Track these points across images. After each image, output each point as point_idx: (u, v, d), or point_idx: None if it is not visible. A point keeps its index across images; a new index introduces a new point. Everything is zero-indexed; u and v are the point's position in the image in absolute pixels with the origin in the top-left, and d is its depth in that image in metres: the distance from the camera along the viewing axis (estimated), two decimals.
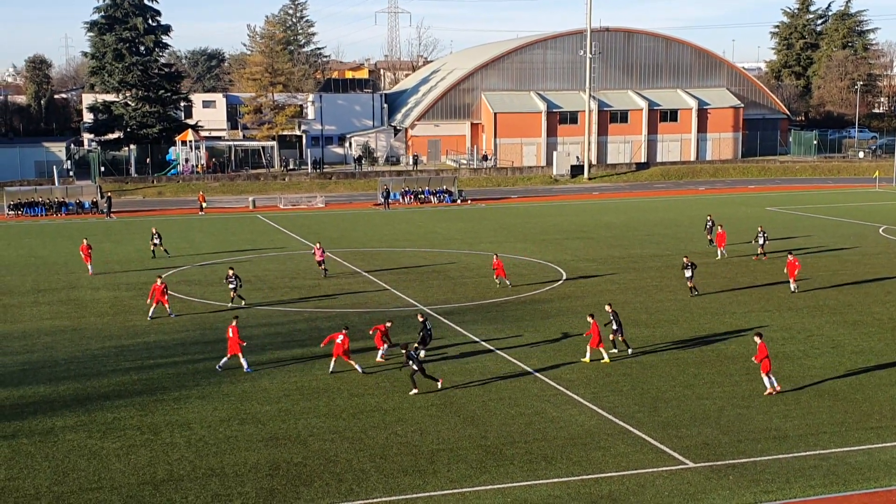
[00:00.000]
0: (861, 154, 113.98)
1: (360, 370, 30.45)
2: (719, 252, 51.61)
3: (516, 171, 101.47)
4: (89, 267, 48.22)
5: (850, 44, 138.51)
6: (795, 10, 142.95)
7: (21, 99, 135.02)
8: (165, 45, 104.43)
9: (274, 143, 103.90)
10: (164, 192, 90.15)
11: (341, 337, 30.38)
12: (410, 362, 28.36)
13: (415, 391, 28.29)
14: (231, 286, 40.47)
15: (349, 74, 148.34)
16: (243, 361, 31.12)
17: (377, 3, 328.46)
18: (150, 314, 38.62)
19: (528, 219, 70.80)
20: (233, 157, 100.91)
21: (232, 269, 41.51)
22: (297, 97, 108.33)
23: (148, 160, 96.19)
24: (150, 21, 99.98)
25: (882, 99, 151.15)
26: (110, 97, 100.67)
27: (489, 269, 45.30)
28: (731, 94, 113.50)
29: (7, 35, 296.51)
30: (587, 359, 31.74)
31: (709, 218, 56.83)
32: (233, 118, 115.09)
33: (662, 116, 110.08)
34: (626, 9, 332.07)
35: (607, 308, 33.47)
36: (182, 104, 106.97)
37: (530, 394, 28.57)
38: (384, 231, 64.90)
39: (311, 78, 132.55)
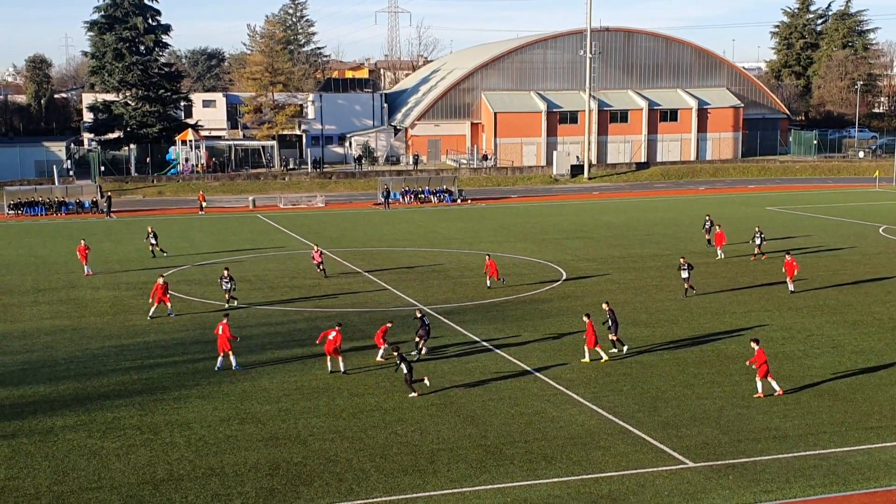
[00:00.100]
0: (861, 154, 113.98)
1: (341, 370, 30.44)
2: (718, 252, 51.62)
3: (516, 171, 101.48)
4: (86, 268, 48.19)
5: (850, 43, 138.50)
6: (795, 10, 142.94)
7: (21, 98, 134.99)
8: (165, 45, 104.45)
9: (274, 142, 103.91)
10: (164, 192, 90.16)
11: (333, 333, 30.41)
12: (402, 364, 28.34)
13: (413, 394, 28.28)
14: (226, 287, 40.37)
15: (349, 74, 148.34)
16: (232, 359, 31.15)
17: (377, 3, 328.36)
18: (150, 314, 38.61)
19: (527, 218, 70.81)
20: (233, 157, 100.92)
21: (227, 269, 41.51)
22: (297, 97, 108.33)
23: (148, 160, 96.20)
24: (150, 20, 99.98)
25: (882, 99, 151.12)
26: (110, 97, 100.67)
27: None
28: (731, 93, 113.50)
29: (7, 35, 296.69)
30: (587, 359, 31.74)
31: (707, 218, 56.83)
32: (233, 118, 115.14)
33: (662, 116, 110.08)
34: (625, 9, 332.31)
35: (605, 306, 33.50)
36: (182, 104, 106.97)
37: (530, 393, 28.57)
38: (384, 231, 64.91)
39: (311, 77, 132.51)
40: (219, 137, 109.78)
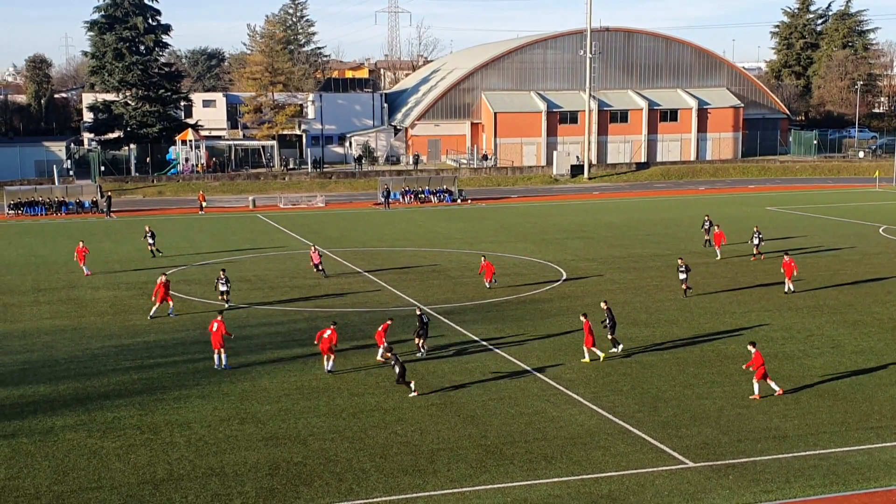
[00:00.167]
0: (861, 154, 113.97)
1: (326, 370, 30.41)
2: (717, 252, 51.61)
3: (516, 171, 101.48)
4: (84, 268, 48.15)
5: (850, 43, 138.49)
6: (795, 10, 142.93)
7: (21, 98, 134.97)
8: (165, 45, 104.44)
9: (274, 142, 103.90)
10: (164, 192, 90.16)
11: (329, 332, 30.40)
12: (394, 364, 28.30)
13: (414, 393, 28.29)
14: (223, 288, 40.30)
15: (349, 74, 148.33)
16: (223, 357, 31.17)
17: (377, 3, 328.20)
18: (151, 313, 38.62)
19: (528, 218, 70.81)
20: (233, 157, 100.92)
21: (224, 270, 41.46)
22: (298, 97, 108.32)
23: (148, 160, 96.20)
24: (150, 20, 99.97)
25: (882, 99, 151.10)
26: (110, 96, 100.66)
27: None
28: (731, 93, 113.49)
29: (7, 34, 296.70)
30: (587, 359, 31.75)
31: (706, 218, 56.80)
32: (233, 117, 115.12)
33: (662, 116, 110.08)
34: (625, 8, 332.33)
35: (603, 305, 33.52)
36: (182, 104, 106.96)
37: (530, 393, 28.57)
38: (384, 231, 64.91)
39: (311, 77, 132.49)
40: (219, 137, 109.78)
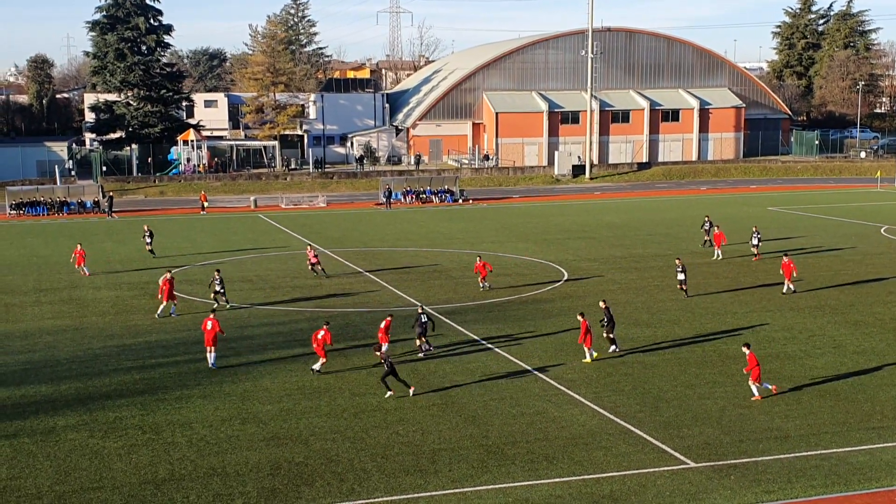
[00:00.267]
0: (863, 154, 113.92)
1: (313, 370, 30.40)
2: (717, 252, 51.60)
3: (518, 171, 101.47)
4: (85, 269, 48.13)
5: (851, 44, 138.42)
6: (797, 10, 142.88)
7: (23, 98, 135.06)
8: (167, 45, 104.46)
9: (275, 142, 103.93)
10: (165, 192, 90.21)
11: (322, 332, 30.38)
12: (385, 364, 28.27)
13: (412, 389, 28.33)
14: (217, 289, 40.27)
15: (351, 74, 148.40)
16: (213, 355, 31.19)
17: (379, 3, 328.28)
18: (159, 312, 38.66)
19: (529, 218, 70.82)
20: (234, 157, 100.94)
21: (218, 270, 41.51)
22: (299, 97, 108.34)
23: (150, 160, 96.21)
24: (151, 21, 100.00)
25: (884, 99, 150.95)
26: (112, 97, 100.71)
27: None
28: (732, 93, 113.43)
29: (9, 35, 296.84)
30: (588, 359, 31.76)
31: (706, 219, 56.77)
32: (234, 118, 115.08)
33: (664, 116, 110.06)
34: (627, 8, 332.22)
35: (601, 304, 33.52)
36: (184, 104, 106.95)
37: (532, 393, 28.57)
38: (386, 231, 64.93)
39: (312, 78, 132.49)
40: (220, 137, 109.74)
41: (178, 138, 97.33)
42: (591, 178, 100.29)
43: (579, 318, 31.93)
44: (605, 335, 32.84)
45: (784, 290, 42.52)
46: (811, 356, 32.48)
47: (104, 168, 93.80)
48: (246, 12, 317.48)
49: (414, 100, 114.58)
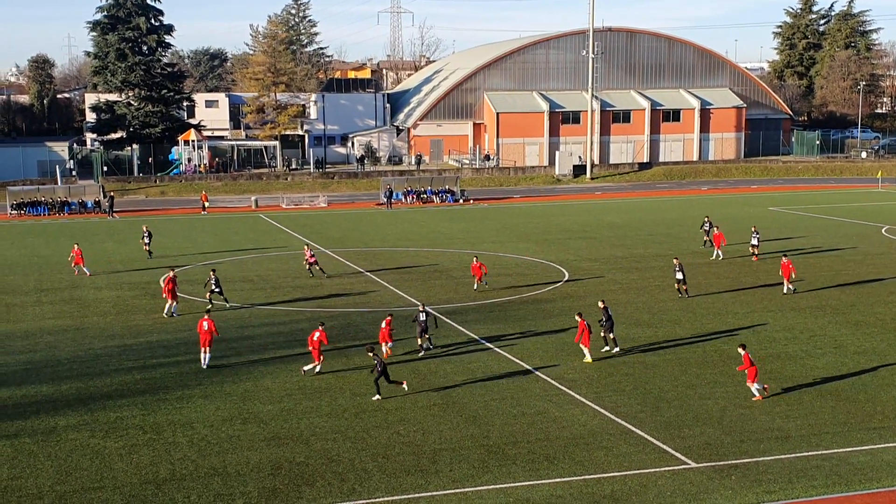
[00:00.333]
0: (864, 154, 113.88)
1: (304, 371, 30.36)
2: (716, 252, 51.58)
3: (519, 171, 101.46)
4: (85, 270, 48.14)
5: (852, 44, 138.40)
6: (798, 10, 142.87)
7: (24, 98, 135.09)
8: (168, 45, 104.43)
9: (276, 142, 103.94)
10: (166, 192, 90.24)
11: (317, 334, 30.36)
12: (377, 366, 28.22)
13: (405, 384, 28.44)
14: (214, 288, 40.25)
15: (352, 74, 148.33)
16: (207, 356, 31.18)
17: (380, 3, 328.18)
18: (165, 310, 38.68)
19: (530, 219, 70.82)
20: (235, 157, 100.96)
21: (214, 270, 41.50)
22: (300, 97, 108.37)
23: (150, 160, 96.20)
24: (152, 21, 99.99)
25: (885, 99, 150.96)
26: (113, 97, 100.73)
27: (489, 270, 45.24)
28: (733, 94, 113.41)
29: (10, 35, 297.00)
30: (588, 359, 31.76)
31: (706, 219, 56.74)
32: (235, 118, 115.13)
33: (665, 116, 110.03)
34: (628, 8, 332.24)
35: (600, 304, 33.52)
36: (185, 104, 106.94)
37: (532, 393, 28.57)
38: (387, 231, 64.93)
39: (313, 78, 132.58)
40: (221, 137, 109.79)
41: (179, 138, 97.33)
42: (592, 179, 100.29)
43: (577, 318, 31.95)
44: (602, 335, 32.85)
45: (784, 291, 42.52)
46: (812, 356, 32.47)
47: (105, 168, 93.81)
48: (247, 12, 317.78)
49: (415, 100, 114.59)
